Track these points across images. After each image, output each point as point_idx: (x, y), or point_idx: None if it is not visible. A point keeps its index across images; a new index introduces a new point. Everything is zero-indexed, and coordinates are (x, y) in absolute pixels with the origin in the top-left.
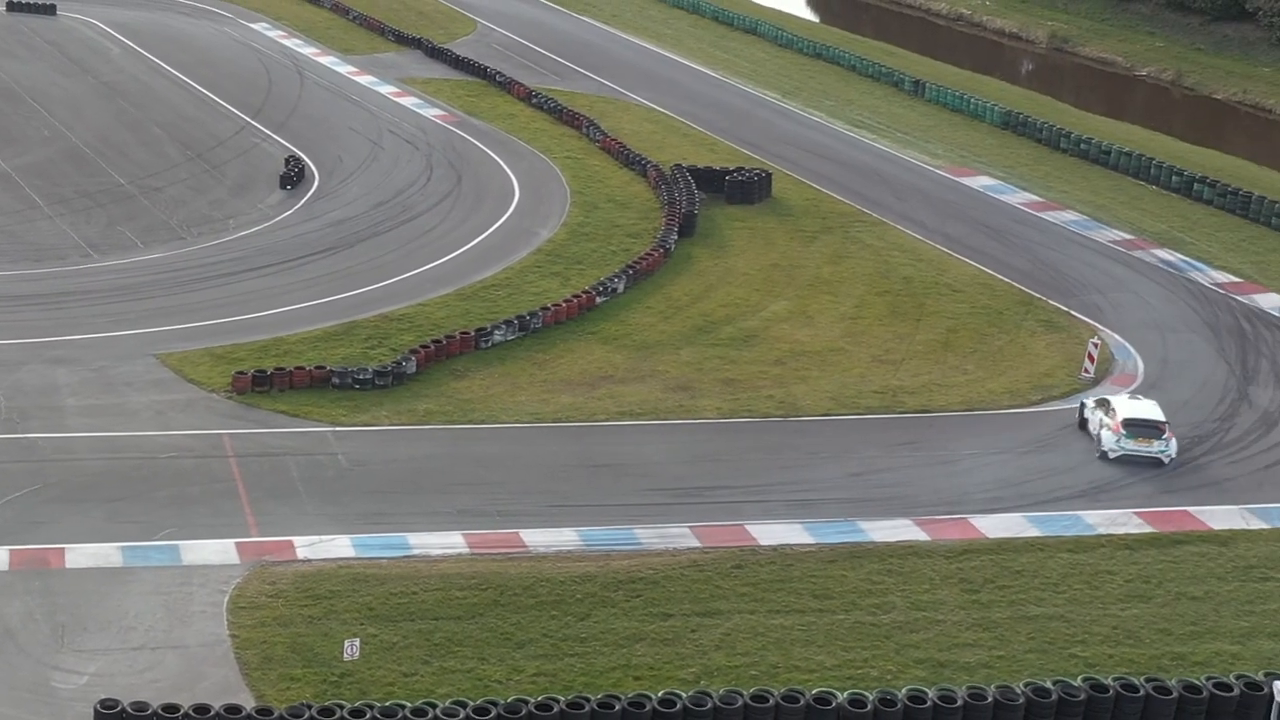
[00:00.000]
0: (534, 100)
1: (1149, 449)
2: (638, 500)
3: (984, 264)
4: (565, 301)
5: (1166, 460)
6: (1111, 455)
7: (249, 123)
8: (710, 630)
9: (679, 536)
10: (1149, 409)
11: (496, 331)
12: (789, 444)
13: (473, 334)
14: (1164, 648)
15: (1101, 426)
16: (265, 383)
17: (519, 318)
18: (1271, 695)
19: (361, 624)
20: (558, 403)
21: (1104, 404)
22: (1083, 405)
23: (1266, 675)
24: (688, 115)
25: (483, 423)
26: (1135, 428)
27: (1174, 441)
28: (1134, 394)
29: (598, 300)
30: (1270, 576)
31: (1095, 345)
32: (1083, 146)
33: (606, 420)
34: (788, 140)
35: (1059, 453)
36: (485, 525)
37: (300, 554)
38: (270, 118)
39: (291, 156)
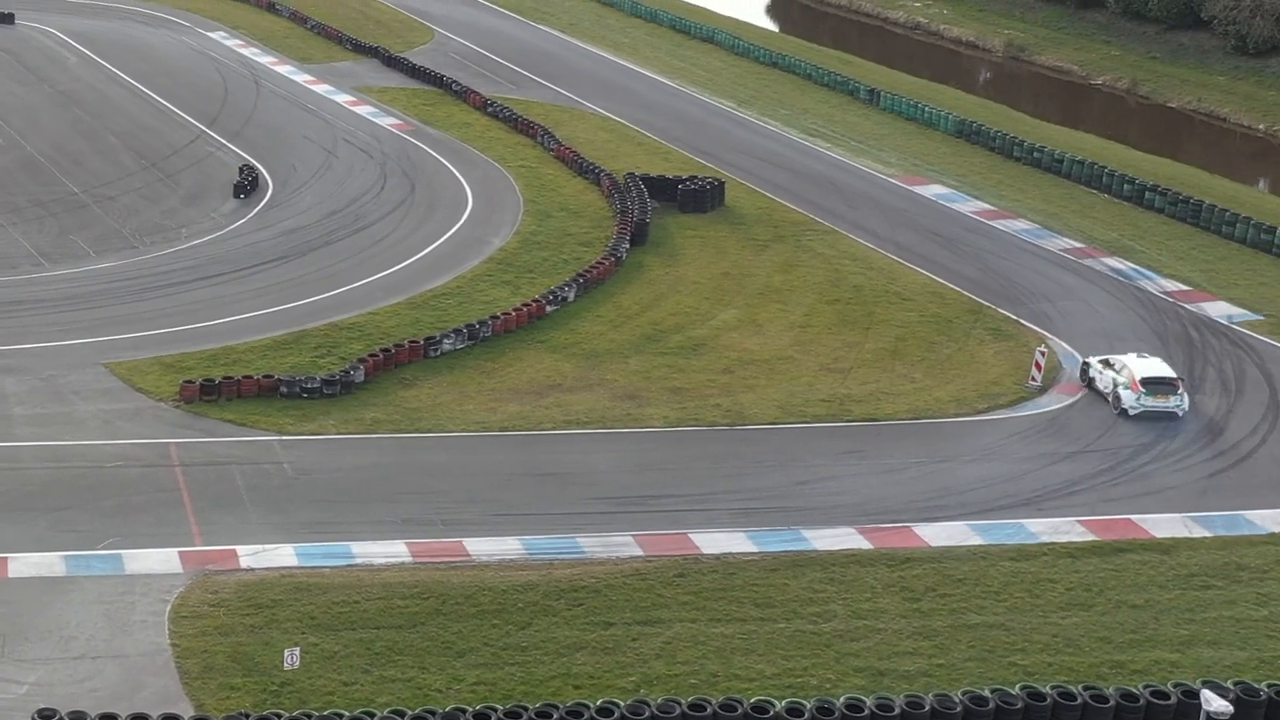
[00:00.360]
0: (489, 109)
1: (1166, 404)
2: (582, 509)
3: (934, 272)
4: (515, 310)
5: (1181, 414)
6: (1132, 412)
7: (204, 131)
8: (651, 639)
9: (622, 545)
10: (1160, 367)
11: (445, 340)
12: (735, 453)
13: (421, 343)
14: (1104, 656)
15: (1117, 386)
16: (213, 392)
17: (468, 326)
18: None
19: (303, 633)
20: (505, 411)
21: (1108, 364)
22: (1086, 365)
23: (1204, 684)
24: (643, 124)
25: (430, 431)
26: (1153, 385)
27: (1187, 396)
28: (1141, 353)
29: (548, 309)
30: (1211, 585)
31: (1042, 354)
32: (1035, 155)
33: (553, 429)
34: (742, 149)
35: (1004, 461)
36: (429, 534)
37: (243, 563)
38: (226, 126)
39: (246, 165)
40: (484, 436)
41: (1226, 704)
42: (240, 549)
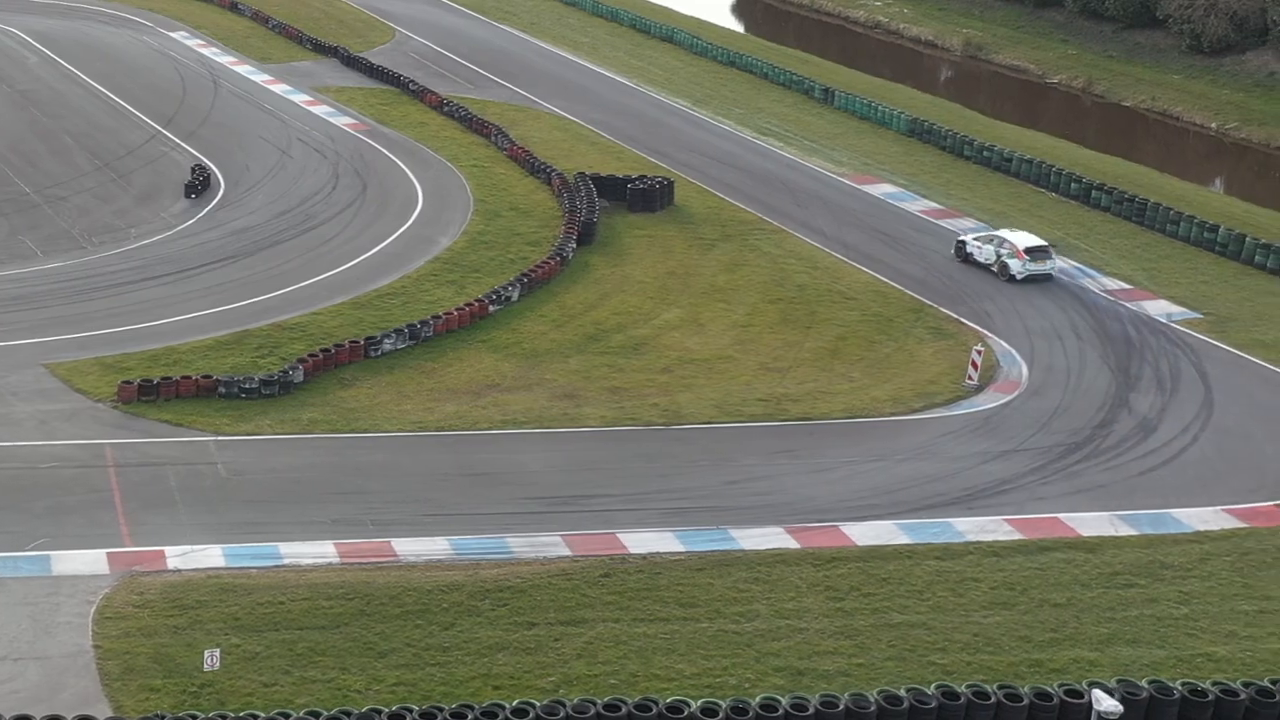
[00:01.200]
0: (445, 108)
1: (1044, 268)
2: (513, 509)
3: (879, 271)
4: (457, 310)
5: (1054, 273)
6: (1019, 277)
7: (160, 131)
8: (573, 639)
9: (550, 545)
10: (1034, 237)
11: (386, 340)
12: (668, 452)
13: (362, 343)
14: (1023, 655)
15: (1001, 256)
16: (151, 392)
17: (409, 326)
18: (1090, 703)
19: (226, 634)
20: (442, 411)
21: (989, 239)
22: (962, 243)
23: (1119, 682)
24: (597, 123)
25: (366, 432)
26: (1034, 253)
27: (1057, 260)
28: (1013, 228)
29: (491, 309)
30: (1134, 583)
31: (979, 353)
32: (985, 154)
33: (490, 429)
34: (694, 148)
35: (936, 460)
36: (358, 535)
37: (171, 564)
38: (181, 126)
39: (198, 165)
40: (420, 436)
41: (1116, 704)
42: (169, 550)
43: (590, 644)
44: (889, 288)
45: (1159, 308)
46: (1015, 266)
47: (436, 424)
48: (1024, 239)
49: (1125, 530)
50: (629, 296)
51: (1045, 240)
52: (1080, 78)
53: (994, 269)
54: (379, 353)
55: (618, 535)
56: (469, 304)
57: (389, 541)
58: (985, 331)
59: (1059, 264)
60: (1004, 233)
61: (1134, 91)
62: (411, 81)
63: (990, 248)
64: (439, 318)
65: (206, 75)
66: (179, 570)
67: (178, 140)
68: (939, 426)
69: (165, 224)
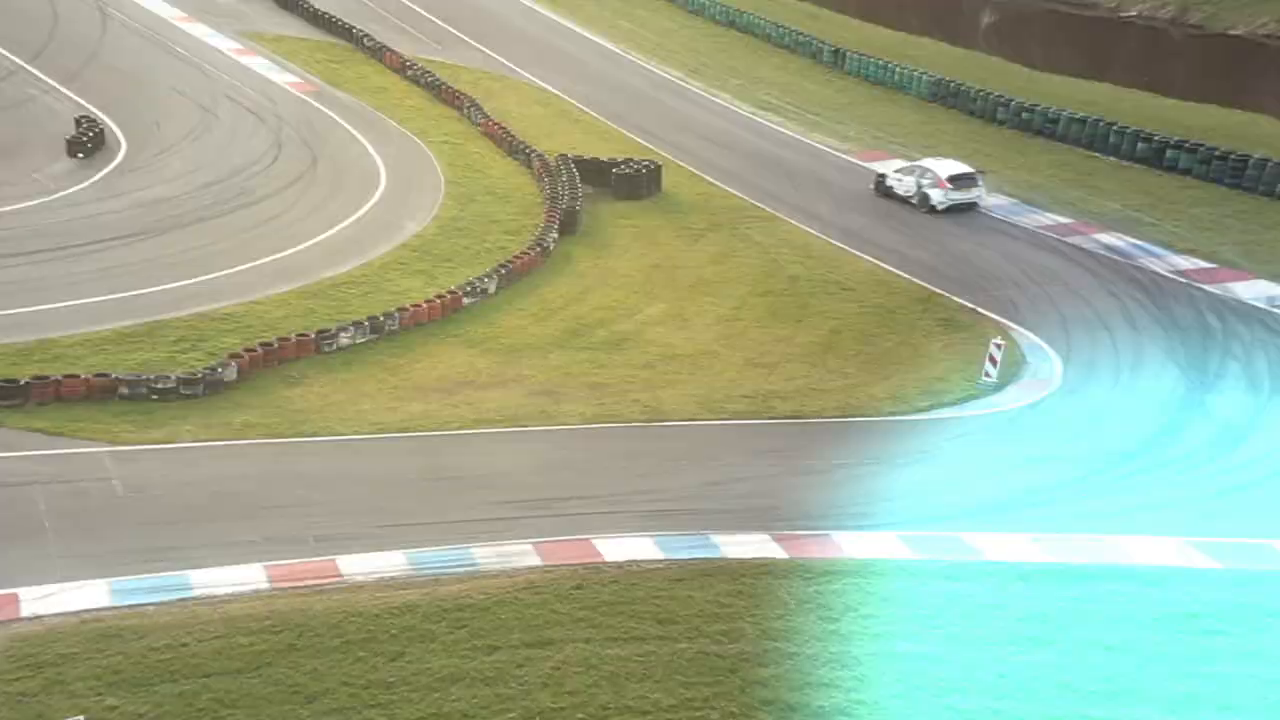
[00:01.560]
0: (409, 72)
1: (969, 195)
2: (480, 515)
3: (883, 259)
4: (427, 302)
5: (981, 203)
6: (940, 207)
7: (23, 67)
8: (539, 664)
9: (520, 554)
10: (958, 165)
11: (343, 334)
12: (648, 451)
13: (312, 336)
14: (1068, 707)
15: (923, 187)
16: (15, 395)
17: (371, 319)
18: None
19: (99, 694)
20: (407, 411)
21: (910, 170)
22: (882, 177)
23: None
24: (581, 97)
25: (314, 435)
26: (957, 181)
27: (984, 187)
28: (928, 155)
29: (465, 301)
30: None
31: (998, 346)
32: (1024, 116)
33: (459, 429)
34: (686, 126)
35: (945, 466)
36: (296, 554)
37: (25, 611)
38: (57, 65)
39: (85, 116)
40: (379, 439)
41: None
42: (23, 593)
43: (558, 669)
44: (894, 276)
45: (1255, 289)
46: (936, 196)
47: (399, 425)
48: (948, 167)
49: (1203, 561)
50: (612, 290)
51: (971, 168)
52: (1169, 6)
53: (914, 200)
54: (334, 347)
55: (592, 541)
56: (441, 295)
57: (334, 560)
58: (1009, 323)
59: (1051, 218)
60: (927, 162)
61: (1246, 13)
62: (366, 36)
63: (911, 179)
64: (406, 310)
65: (90, 1)
66: (38, 617)
67: (52, 82)
68: (950, 428)
69: (41, 187)
